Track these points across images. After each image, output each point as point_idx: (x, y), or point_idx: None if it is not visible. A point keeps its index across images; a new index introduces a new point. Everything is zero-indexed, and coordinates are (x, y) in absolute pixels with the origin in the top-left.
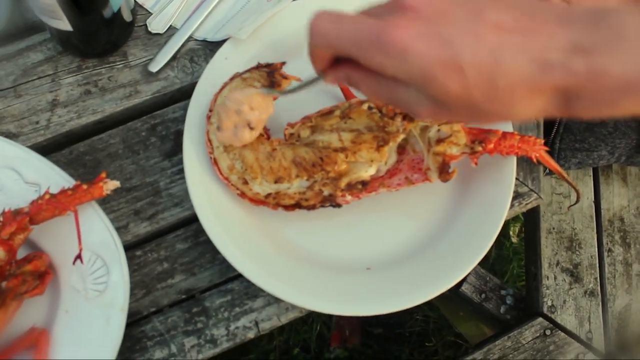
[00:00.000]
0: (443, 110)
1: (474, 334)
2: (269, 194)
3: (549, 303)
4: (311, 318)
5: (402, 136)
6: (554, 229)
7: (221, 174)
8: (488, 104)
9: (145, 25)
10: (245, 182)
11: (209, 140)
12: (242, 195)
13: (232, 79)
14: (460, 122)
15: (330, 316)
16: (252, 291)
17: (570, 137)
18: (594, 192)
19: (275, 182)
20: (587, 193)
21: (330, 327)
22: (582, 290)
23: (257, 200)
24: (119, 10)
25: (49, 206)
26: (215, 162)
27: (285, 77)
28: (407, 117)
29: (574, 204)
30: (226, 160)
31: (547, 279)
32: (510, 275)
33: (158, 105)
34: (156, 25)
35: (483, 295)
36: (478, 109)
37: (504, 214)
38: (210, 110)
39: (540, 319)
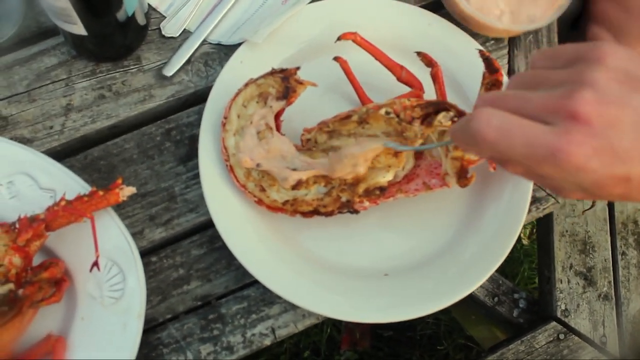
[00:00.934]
0: (592, 197)
1: (485, 337)
2: (287, 201)
3: (563, 307)
4: (321, 321)
5: (420, 141)
6: (567, 231)
7: (238, 181)
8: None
9: (159, 28)
10: (263, 189)
11: (225, 148)
12: (260, 202)
13: (246, 85)
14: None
15: None
16: (269, 297)
17: None
18: None
19: (293, 188)
20: None
21: (341, 330)
22: (596, 293)
23: (274, 208)
24: (134, 14)
25: (65, 213)
26: (231, 169)
27: (300, 83)
28: (425, 122)
29: (589, 208)
30: (242, 167)
31: (561, 283)
32: (522, 278)
33: (172, 110)
34: (170, 28)
35: (496, 299)
36: (628, 199)
37: (522, 220)
38: (225, 117)
39: (554, 323)
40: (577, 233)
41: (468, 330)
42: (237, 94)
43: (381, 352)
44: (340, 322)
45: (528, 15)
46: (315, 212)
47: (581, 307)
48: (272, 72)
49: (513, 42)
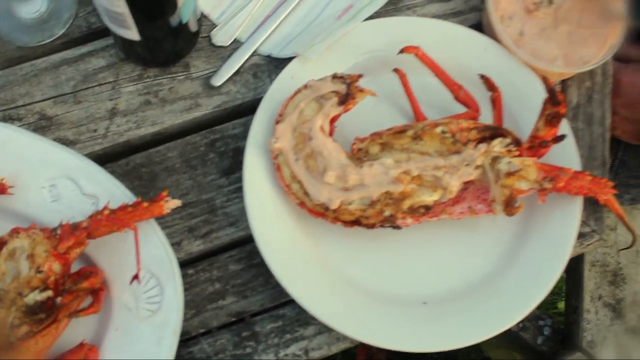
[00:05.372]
0: None
1: None
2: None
3: (589, 338)
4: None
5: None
6: (597, 261)
7: (283, 180)
8: None
9: (209, 36)
10: (307, 193)
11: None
12: (302, 205)
13: (305, 86)
14: None
15: None
16: (304, 318)
17: (625, 172)
18: None
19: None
20: (634, 228)
21: None
22: (623, 327)
23: (316, 212)
24: (188, 20)
25: (108, 222)
26: (278, 168)
27: (360, 90)
28: (479, 145)
29: (628, 247)
30: (289, 168)
31: (588, 313)
32: (543, 302)
33: (218, 120)
34: (221, 37)
35: (520, 324)
36: None
37: (567, 256)
38: (280, 115)
39: (578, 354)
40: (608, 264)
41: (486, 352)
42: (295, 93)
43: None
44: None
45: (581, 57)
46: (356, 222)
47: (608, 340)
48: (334, 77)
49: None
